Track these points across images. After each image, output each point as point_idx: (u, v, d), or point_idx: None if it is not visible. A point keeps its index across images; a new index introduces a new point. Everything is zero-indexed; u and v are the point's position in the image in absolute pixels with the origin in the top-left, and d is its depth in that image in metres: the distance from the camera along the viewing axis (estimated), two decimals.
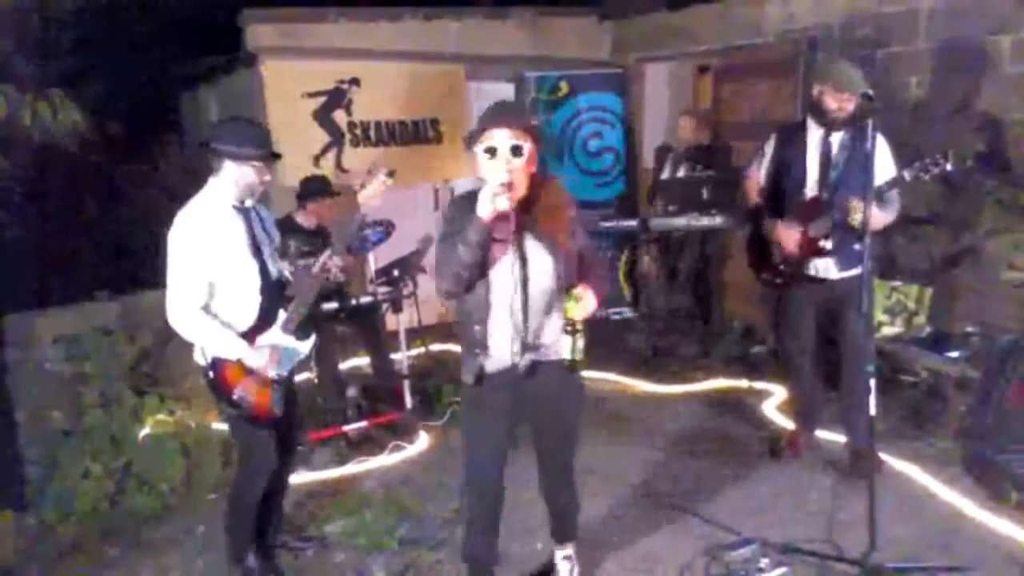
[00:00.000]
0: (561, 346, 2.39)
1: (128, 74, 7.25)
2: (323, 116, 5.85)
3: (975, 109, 4.38)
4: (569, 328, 2.37)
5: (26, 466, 3.70)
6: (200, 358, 2.80)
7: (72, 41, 6.11)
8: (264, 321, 2.80)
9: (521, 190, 2.34)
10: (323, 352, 4.33)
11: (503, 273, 2.37)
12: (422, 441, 4.32)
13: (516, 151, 2.31)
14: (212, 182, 2.75)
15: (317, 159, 5.81)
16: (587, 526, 3.31)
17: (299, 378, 4.53)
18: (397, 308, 4.52)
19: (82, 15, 6.13)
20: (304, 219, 4.42)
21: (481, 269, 2.34)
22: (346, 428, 4.27)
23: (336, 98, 5.88)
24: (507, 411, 2.53)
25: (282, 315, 2.83)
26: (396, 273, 4.53)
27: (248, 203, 2.81)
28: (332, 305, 4.30)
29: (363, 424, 4.32)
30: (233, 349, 2.72)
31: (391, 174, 2.84)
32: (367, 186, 2.86)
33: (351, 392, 4.54)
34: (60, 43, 5.94)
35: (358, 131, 5.97)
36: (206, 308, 2.70)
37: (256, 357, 2.75)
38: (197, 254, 2.65)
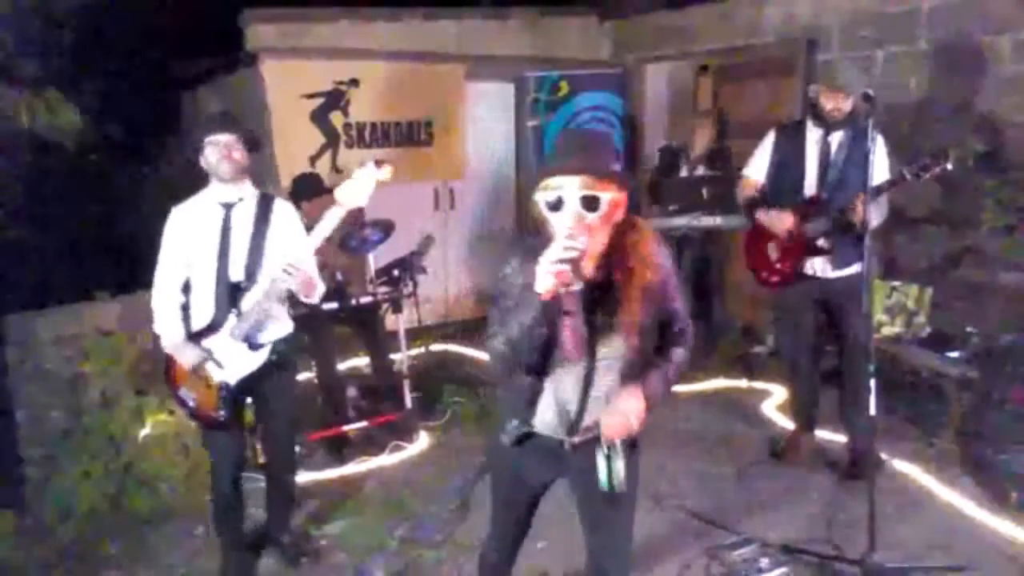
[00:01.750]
0: (598, 471, 1.97)
1: (128, 74, 7.25)
2: (320, 117, 5.85)
3: (975, 109, 4.38)
4: (605, 448, 1.95)
5: (26, 466, 3.70)
6: None
7: (72, 41, 6.10)
8: (216, 323, 2.78)
9: (596, 250, 1.85)
10: (323, 352, 4.34)
11: (572, 367, 1.93)
12: (422, 441, 4.32)
13: (591, 204, 1.78)
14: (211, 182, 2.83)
15: (313, 160, 5.82)
16: None
17: (299, 378, 4.56)
18: (397, 308, 4.52)
19: (82, 15, 6.12)
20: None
21: (539, 352, 1.86)
22: (346, 428, 4.27)
23: (333, 99, 5.88)
24: (547, 472, 2.15)
25: (232, 320, 2.77)
26: (396, 273, 4.53)
27: (243, 196, 2.80)
28: (332, 305, 4.30)
29: (363, 424, 4.32)
30: (168, 340, 2.79)
31: (378, 163, 2.55)
32: (346, 182, 2.57)
33: (351, 392, 4.54)
34: (59, 43, 5.93)
35: (353, 132, 5.97)
36: (184, 303, 2.81)
37: (183, 354, 2.77)
38: (171, 245, 2.78)
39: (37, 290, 4.80)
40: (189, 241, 2.77)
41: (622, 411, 1.92)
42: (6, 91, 3.87)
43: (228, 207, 2.78)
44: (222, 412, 2.80)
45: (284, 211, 2.91)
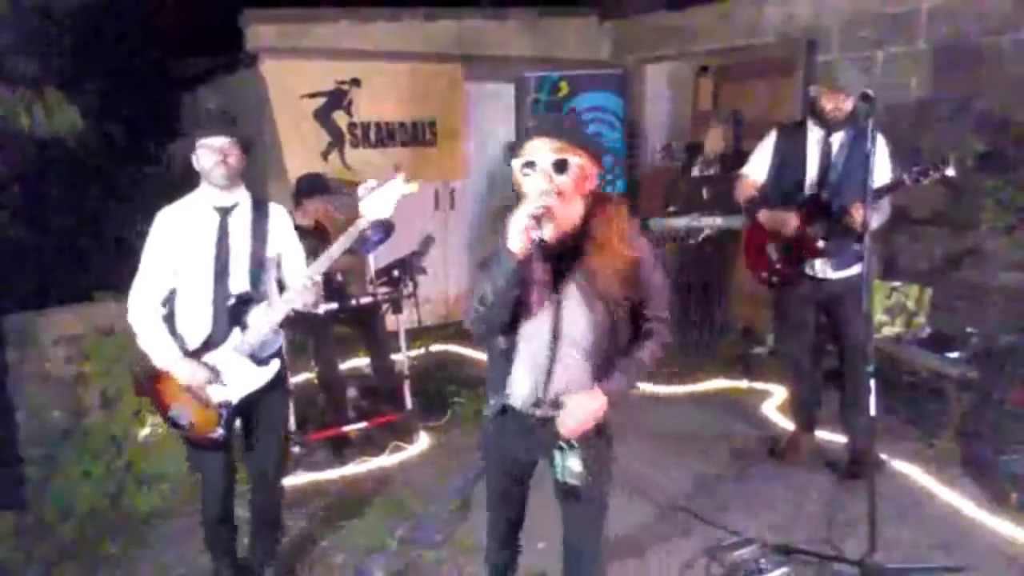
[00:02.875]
0: (553, 463, 2.04)
1: (128, 74, 7.24)
2: (323, 116, 5.85)
3: (975, 109, 4.38)
4: (561, 444, 2.00)
5: (26, 466, 3.70)
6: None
7: (72, 41, 6.10)
8: (216, 338, 2.59)
9: (569, 219, 1.91)
10: (323, 352, 4.34)
11: (537, 321, 1.98)
12: (422, 442, 4.32)
13: (560, 166, 1.87)
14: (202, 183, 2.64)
15: (326, 155, 5.82)
16: None
17: (299, 378, 4.57)
18: (397, 308, 4.52)
19: (81, 15, 6.12)
20: (301, 218, 4.41)
21: (512, 313, 1.93)
22: (346, 429, 4.27)
23: (336, 99, 5.89)
24: (517, 460, 2.23)
25: (237, 334, 2.60)
26: (396, 274, 4.53)
27: (238, 201, 2.62)
28: (332, 305, 4.31)
29: (363, 425, 4.32)
30: (164, 358, 2.54)
31: (396, 168, 2.61)
32: (373, 192, 2.56)
33: (351, 392, 4.54)
34: (59, 43, 5.93)
35: (358, 132, 5.97)
36: (169, 315, 2.58)
37: (185, 371, 2.53)
38: (157, 251, 2.56)
39: (37, 290, 4.80)
40: (179, 247, 2.56)
41: (580, 410, 1.98)
42: (5, 91, 3.87)
43: (224, 212, 2.60)
44: (221, 432, 2.62)
45: (280, 217, 2.75)
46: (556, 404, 1.99)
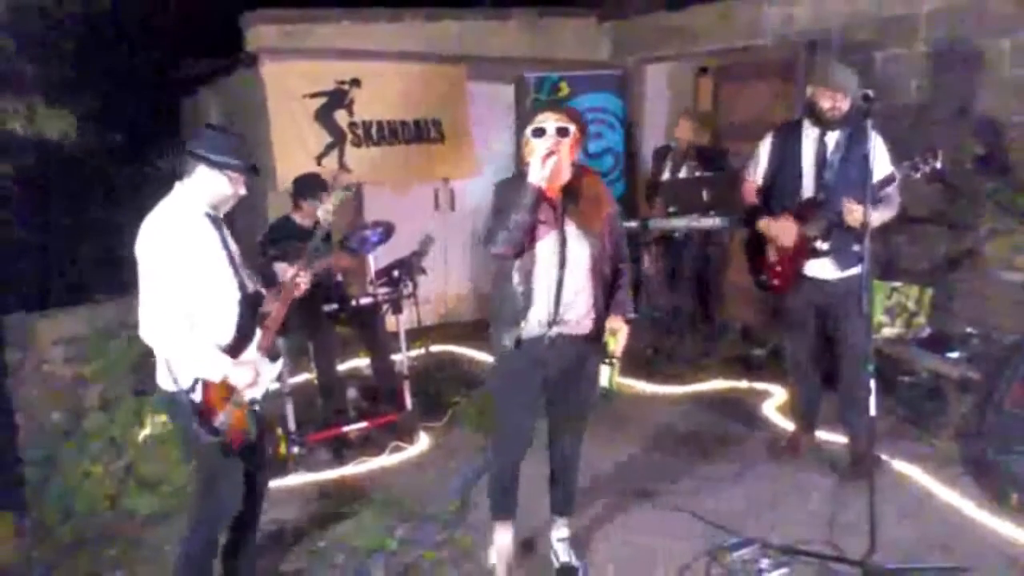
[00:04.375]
0: (600, 374, 2.65)
1: (129, 76, 7.26)
2: (324, 116, 5.85)
3: (974, 111, 4.38)
4: (608, 360, 2.63)
5: (26, 467, 3.71)
6: (167, 382, 2.55)
7: (72, 44, 6.11)
8: (243, 338, 2.61)
9: (565, 173, 2.62)
10: (323, 353, 4.34)
11: (546, 251, 2.60)
12: (422, 442, 4.32)
13: (562, 132, 2.58)
14: (181, 188, 2.57)
15: (320, 159, 5.82)
16: (587, 526, 3.31)
17: (299, 379, 4.57)
18: (397, 309, 4.52)
19: (83, 18, 6.13)
20: (301, 218, 4.42)
21: (530, 235, 2.57)
22: (346, 429, 4.27)
23: (337, 98, 5.89)
24: (537, 373, 2.73)
25: (258, 333, 2.66)
26: (396, 274, 4.53)
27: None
28: (332, 306, 4.31)
29: (363, 425, 4.32)
30: (220, 367, 2.51)
31: (348, 188, 3.04)
32: (325, 203, 2.89)
33: (351, 393, 4.54)
34: (60, 47, 5.94)
35: (360, 131, 5.97)
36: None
37: (241, 374, 2.55)
38: (175, 264, 2.45)
39: (37, 291, 4.81)
40: (192, 258, 2.49)
41: (623, 335, 2.67)
42: (5, 96, 3.88)
43: (213, 219, 2.60)
44: (253, 431, 2.65)
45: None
46: (612, 332, 2.64)
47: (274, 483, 3.86)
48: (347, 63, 5.86)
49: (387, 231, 4.56)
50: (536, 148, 2.56)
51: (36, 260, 5.43)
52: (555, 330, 2.66)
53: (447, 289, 6.54)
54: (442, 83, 6.22)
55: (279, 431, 4.04)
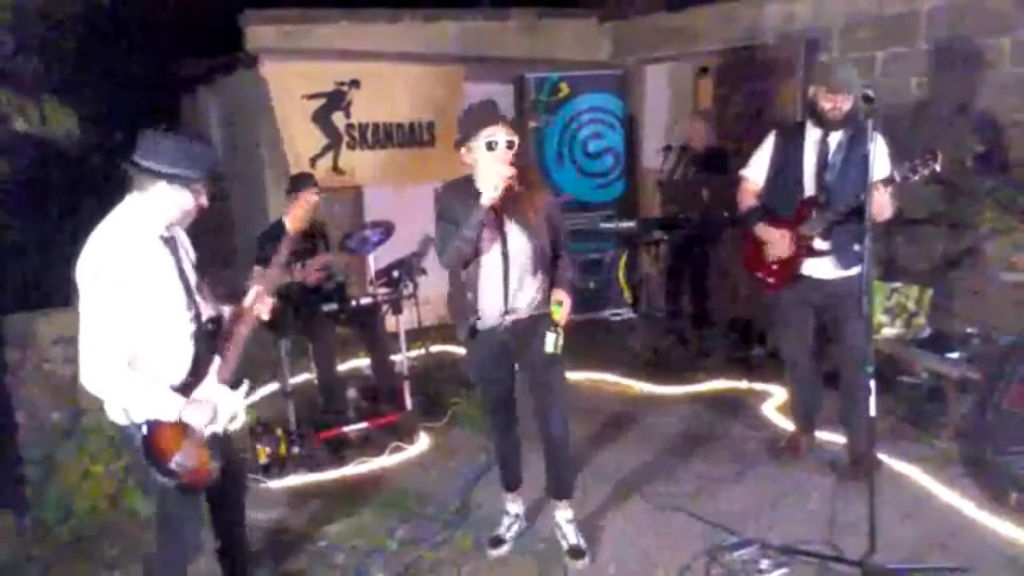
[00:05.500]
0: (546, 341, 2.81)
1: (128, 76, 7.25)
2: (322, 118, 5.85)
3: (974, 110, 4.38)
4: (553, 328, 2.82)
5: (26, 466, 3.70)
6: (119, 416, 2.33)
7: (72, 44, 6.11)
8: (198, 371, 2.41)
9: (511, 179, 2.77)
10: (323, 353, 4.34)
11: (492, 253, 2.82)
12: (422, 442, 4.32)
13: (511, 145, 2.72)
14: (133, 204, 2.31)
15: (314, 161, 5.82)
16: (587, 525, 3.31)
17: (299, 379, 4.57)
18: (397, 309, 4.52)
19: (82, 17, 6.13)
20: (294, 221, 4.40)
21: (476, 248, 2.77)
22: (346, 429, 4.27)
23: (335, 100, 5.89)
24: (500, 351, 2.98)
25: (216, 361, 2.45)
26: (396, 274, 4.53)
27: (174, 233, 2.42)
28: (332, 306, 4.31)
29: (363, 425, 4.32)
30: (171, 408, 2.28)
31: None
32: (291, 210, 3.06)
33: (351, 393, 4.54)
34: (59, 46, 5.94)
35: (356, 133, 5.97)
36: (132, 361, 2.26)
37: (197, 414, 2.32)
38: (121, 297, 2.19)
39: (38, 291, 4.81)
40: (141, 287, 2.24)
41: (567, 305, 2.85)
42: (5, 95, 3.87)
43: (166, 241, 2.37)
44: (215, 466, 2.42)
45: (188, 242, 2.57)
46: (558, 302, 2.82)
47: (274, 483, 3.88)
48: (346, 64, 5.86)
49: (387, 231, 4.56)
50: (487, 163, 2.70)
51: (36, 259, 5.42)
52: (509, 318, 2.90)
53: (447, 290, 6.53)
54: (440, 84, 6.21)
55: (279, 431, 4.05)
